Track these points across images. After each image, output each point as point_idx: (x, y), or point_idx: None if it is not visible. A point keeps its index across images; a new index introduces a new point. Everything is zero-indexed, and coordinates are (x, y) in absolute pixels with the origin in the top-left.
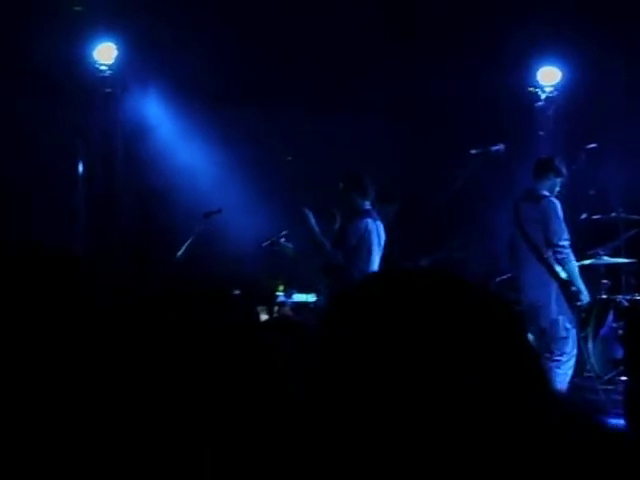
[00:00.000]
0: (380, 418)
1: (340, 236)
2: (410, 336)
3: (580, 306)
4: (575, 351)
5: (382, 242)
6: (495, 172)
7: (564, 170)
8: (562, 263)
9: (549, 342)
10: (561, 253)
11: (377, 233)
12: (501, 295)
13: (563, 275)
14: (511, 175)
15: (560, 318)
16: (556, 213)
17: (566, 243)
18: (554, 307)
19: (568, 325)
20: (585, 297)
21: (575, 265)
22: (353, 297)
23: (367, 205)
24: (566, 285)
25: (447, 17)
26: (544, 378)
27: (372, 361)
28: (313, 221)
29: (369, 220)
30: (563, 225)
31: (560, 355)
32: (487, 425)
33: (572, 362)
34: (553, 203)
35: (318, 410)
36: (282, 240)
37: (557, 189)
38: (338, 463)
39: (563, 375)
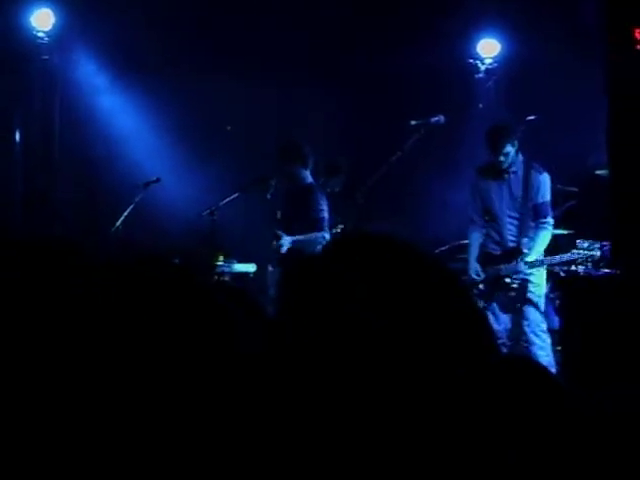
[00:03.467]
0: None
1: (307, 217)
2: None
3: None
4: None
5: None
6: (435, 143)
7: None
8: None
9: None
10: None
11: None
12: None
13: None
14: (451, 146)
15: None
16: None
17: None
18: None
19: None
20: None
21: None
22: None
23: (309, 177)
24: None
25: None
26: (481, 329)
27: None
28: (288, 240)
29: (323, 195)
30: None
31: None
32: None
33: None
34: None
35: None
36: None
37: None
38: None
39: None
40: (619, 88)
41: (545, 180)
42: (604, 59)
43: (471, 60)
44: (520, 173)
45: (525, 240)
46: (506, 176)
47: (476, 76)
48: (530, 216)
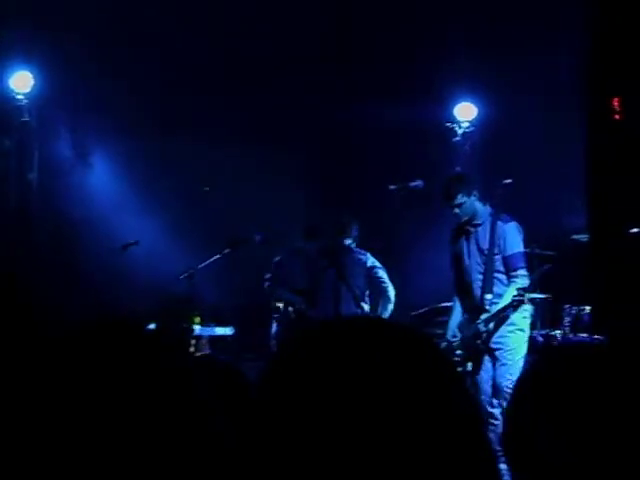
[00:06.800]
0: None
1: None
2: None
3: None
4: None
5: None
6: (412, 206)
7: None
8: None
9: None
10: None
11: None
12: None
13: None
14: (428, 209)
15: None
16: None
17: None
18: None
19: None
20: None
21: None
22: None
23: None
24: None
25: (367, 50)
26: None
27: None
28: None
29: None
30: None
31: None
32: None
33: None
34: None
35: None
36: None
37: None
38: None
39: None
40: (598, 155)
41: (512, 229)
42: (584, 128)
43: (448, 124)
44: (487, 225)
45: (489, 297)
46: (472, 229)
47: (453, 139)
48: (500, 271)
